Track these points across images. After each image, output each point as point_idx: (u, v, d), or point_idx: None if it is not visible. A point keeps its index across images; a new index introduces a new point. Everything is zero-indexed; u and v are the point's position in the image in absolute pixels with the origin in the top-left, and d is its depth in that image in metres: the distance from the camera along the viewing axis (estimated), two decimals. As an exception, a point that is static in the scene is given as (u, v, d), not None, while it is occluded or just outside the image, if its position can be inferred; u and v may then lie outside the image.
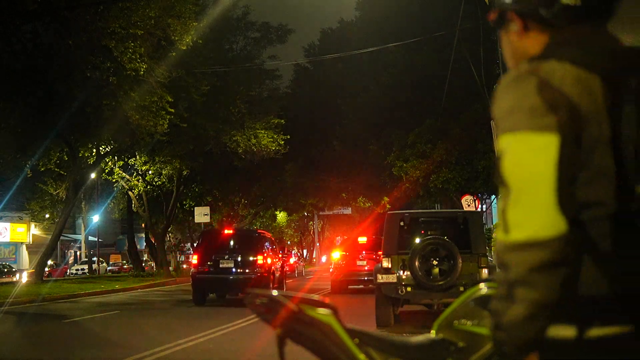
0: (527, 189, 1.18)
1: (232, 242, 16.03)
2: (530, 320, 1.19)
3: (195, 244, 18.50)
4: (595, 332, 1.24)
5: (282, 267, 19.30)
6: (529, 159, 1.19)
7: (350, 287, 19.21)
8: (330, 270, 20.29)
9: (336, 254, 20.17)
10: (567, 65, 1.24)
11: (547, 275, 1.17)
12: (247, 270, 15.24)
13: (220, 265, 15.27)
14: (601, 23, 1.35)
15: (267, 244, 16.98)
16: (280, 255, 19.34)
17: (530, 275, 1.17)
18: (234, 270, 15.23)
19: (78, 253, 48.93)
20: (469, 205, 22.52)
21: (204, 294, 15.67)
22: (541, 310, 1.18)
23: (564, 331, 1.26)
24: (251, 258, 15.45)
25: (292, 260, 36.15)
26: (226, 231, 17.44)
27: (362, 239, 20.20)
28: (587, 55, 1.26)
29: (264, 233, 18.64)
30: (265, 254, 16.02)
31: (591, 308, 1.23)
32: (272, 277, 16.20)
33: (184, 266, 43.54)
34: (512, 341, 1.22)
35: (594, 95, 1.22)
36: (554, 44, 1.31)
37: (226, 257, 15.36)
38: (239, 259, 15.36)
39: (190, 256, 21.90)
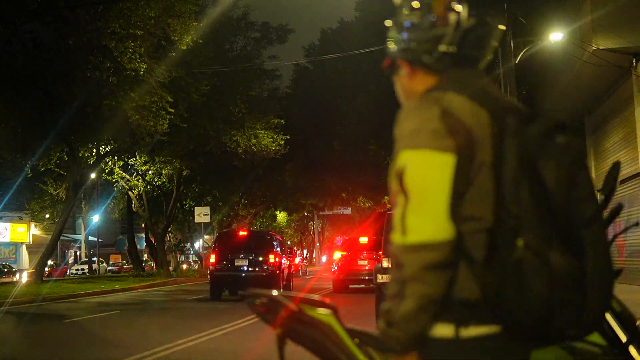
0: (426, 199, 1.36)
1: (246, 243, 17.23)
2: (419, 313, 1.36)
3: (213, 245, 20.04)
4: (470, 331, 1.41)
5: (290, 266, 20.47)
6: (429, 173, 1.37)
7: (351, 286, 19.40)
8: (333, 270, 20.48)
9: (338, 254, 20.45)
10: (463, 98, 1.43)
11: (437, 273, 1.35)
12: (259, 269, 16.52)
13: (236, 264, 16.55)
14: (475, 66, 1.56)
15: (277, 244, 18.19)
16: (288, 255, 20.81)
17: (422, 273, 1.34)
18: (247, 268, 16.51)
19: (78, 253, 48.92)
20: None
21: (220, 290, 16.73)
22: (429, 304, 1.36)
23: (443, 330, 1.42)
24: (263, 257, 16.68)
25: (296, 260, 36.24)
26: (240, 233, 18.87)
27: (364, 239, 20.29)
28: (476, 93, 1.46)
29: (274, 234, 19.89)
30: (275, 254, 17.16)
31: (466, 310, 1.40)
32: (281, 275, 17.44)
33: (184, 266, 43.56)
34: (401, 336, 1.39)
35: (483, 126, 1.41)
36: (445, 83, 1.50)
37: (241, 256, 16.63)
38: (252, 258, 16.59)
39: (207, 256, 23.48)
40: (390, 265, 1.40)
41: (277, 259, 17.15)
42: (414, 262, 1.34)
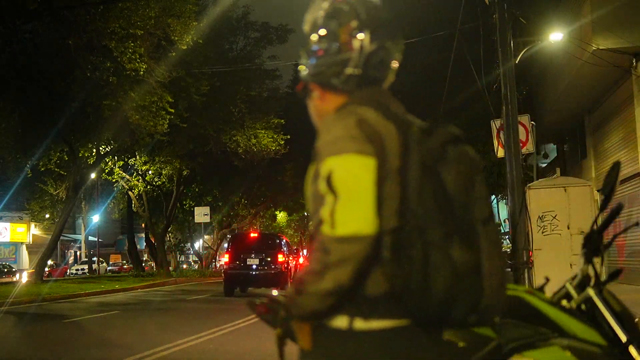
0: (354, 197, 1.49)
1: (256, 244, 18.64)
2: (330, 295, 1.51)
3: (226, 245, 22.20)
4: (371, 324, 1.54)
5: (296, 265, 21.90)
6: (355, 174, 1.50)
7: None
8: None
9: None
10: (373, 111, 1.59)
11: (357, 264, 1.48)
12: (268, 267, 17.92)
13: (247, 263, 17.92)
14: (379, 85, 1.73)
15: (285, 245, 19.70)
16: (294, 255, 22.26)
17: (345, 261, 1.47)
18: (258, 267, 17.90)
19: (78, 253, 48.91)
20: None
21: (234, 287, 18.14)
22: (340, 290, 1.49)
23: (342, 322, 1.56)
24: (272, 257, 18.02)
25: (300, 260, 36.35)
26: (252, 234, 20.44)
27: None
28: (382, 108, 1.62)
29: (282, 236, 21.41)
30: (283, 254, 18.51)
31: (373, 304, 1.54)
32: (289, 273, 18.79)
33: (185, 266, 43.54)
34: (307, 307, 1.55)
35: (392, 136, 1.56)
36: (354, 101, 1.66)
37: (252, 256, 17.96)
38: (262, 257, 17.96)
39: (221, 255, 26.10)
40: (316, 248, 1.53)
41: (285, 259, 18.51)
42: (340, 251, 1.47)
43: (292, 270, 20.08)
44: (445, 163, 1.56)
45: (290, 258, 20.17)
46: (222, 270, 20.30)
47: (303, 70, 1.78)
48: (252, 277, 17.89)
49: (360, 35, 1.68)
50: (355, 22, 1.69)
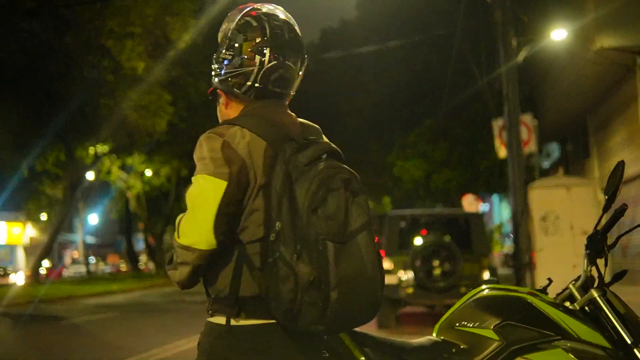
0: (195, 214, 1.73)
1: None
2: (178, 284, 1.86)
3: None
4: (240, 322, 1.76)
5: None
6: (204, 194, 1.72)
7: None
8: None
9: None
10: (246, 131, 1.77)
11: (193, 268, 1.76)
12: None
13: None
14: (280, 99, 1.93)
15: None
16: None
17: (183, 264, 1.76)
18: None
19: (75, 254, 48.86)
20: (470, 205, 22.44)
21: None
22: (183, 285, 1.85)
23: (220, 319, 1.79)
24: None
25: None
26: None
27: None
28: (260, 126, 1.79)
29: None
30: None
31: (244, 304, 1.75)
32: None
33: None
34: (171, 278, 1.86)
35: (258, 156, 1.74)
36: (243, 114, 1.85)
37: None
38: None
39: None
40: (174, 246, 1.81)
41: None
42: (182, 256, 1.76)
43: None
44: (302, 180, 1.69)
45: None
46: None
47: (213, 77, 1.96)
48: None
49: (263, 52, 1.86)
50: (259, 38, 1.87)
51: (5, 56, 18.86)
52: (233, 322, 1.76)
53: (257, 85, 1.86)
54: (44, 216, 35.06)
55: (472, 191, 22.80)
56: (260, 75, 1.85)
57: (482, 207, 25.99)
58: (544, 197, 11.74)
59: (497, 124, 13.65)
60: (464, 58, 16.92)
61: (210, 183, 1.71)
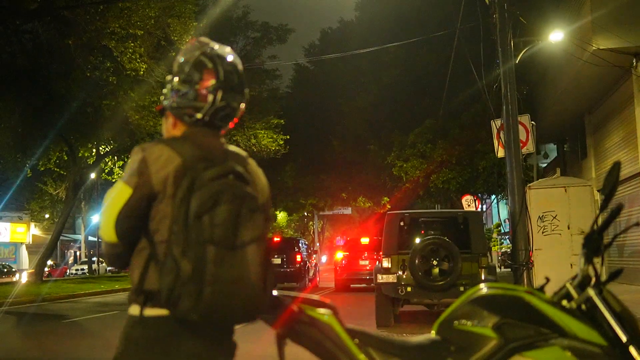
0: (105, 211, 2.03)
1: (278, 246, 21.63)
2: (105, 260, 2.18)
3: None
4: (148, 312, 1.98)
5: (315, 264, 25.60)
6: (112, 197, 2.02)
7: (352, 285, 20.05)
8: (337, 269, 21.33)
9: (340, 254, 21.30)
10: (169, 149, 2.03)
11: (110, 256, 2.09)
12: (288, 265, 21.13)
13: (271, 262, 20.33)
14: (217, 130, 2.21)
15: (303, 247, 23.16)
16: (313, 256, 25.71)
17: (106, 254, 2.09)
18: (280, 265, 20.97)
19: (78, 253, 48.88)
20: (469, 206, 22.52)
21: None
22: (115, 269, 2.34)
23: (134, 310, 2.00)
24: (291, 257, 21.22)
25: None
26: (275, 238, 23.41)
27: (365, 240, 20.77)
28: (183, 147, 2.05)
29: (300, 240, 24.84)
30: (300, 254, 21.74)
31: (149, 296, 1.97)
32: (307, 270, 22.20)
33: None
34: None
35: (171, 170, 1.99)
36: (180, 136, 2.13)
37: (275, 256, 20.69)
38: (284, 257, 21.07)
39: None
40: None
41: (302, 258, 21.74)
42: (104, 246, 2.08)
43: (313, 268, 23.93)
44: (199, 191, 1.95)
45: (308, 258, 23.07)
46: None
47: (164, 98, 2.23)
48: (275, 274, 20.42)
49: (215, 93, 2.13)
50: (214, 80, 2.13)
51: (7, 57, 18.94)
52: (143, 312, 1.98)
53: (205, 118, 2.14)
54: (47, 216, 35.08)
55: (471, 191, 22.87)
56: (209, 112, 2.13)
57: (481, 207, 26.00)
58: (542, 197, 11.81)
59: (496, 124, 13.72)
60: (463, 59, 16.97)
61: (120, 188, 2.02)
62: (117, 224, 2.00)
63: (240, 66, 2.22)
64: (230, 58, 2.20)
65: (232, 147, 2.24)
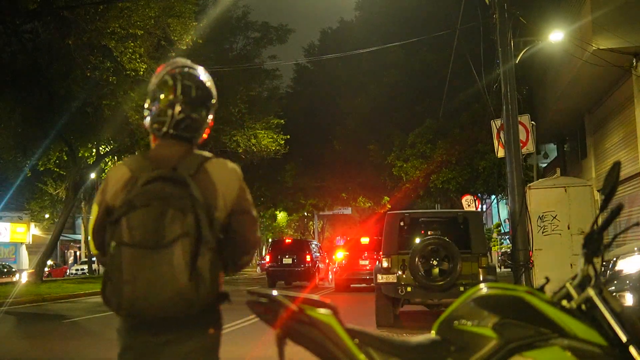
0: (89, 228, 2.35)
1: (290, 247, 23.78)
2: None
3: (268, 249, 28.14)
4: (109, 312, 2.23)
5: (328, 263, 27.47)
6: (91, 215, 2.35)
7: (352, 285, 20.08)
8: (334, 269, 21.37)
9: (340, 254, 21.43)
10: (122, 166, 2.33)
11: (98, 263, 2.80)
12: (299, 265, 22.81)
13: (284, 262, 23.05)
14: (186, 140, 2.38)
15: (314, 248, 24.92)
16: (324, 256, 27.34)
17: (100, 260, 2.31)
18: (292, 264, 22.87)
19: (78, 253, 48.88)
20: (469, 205, 22.52)
21: (275, 281, 22.82)
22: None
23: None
24: (302, 257, 22.92)
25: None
26: (287, 240, 26.03)
27: (365, 240, 20.77)
28: (134, 160, 2.34)
29: (311, 241, 26.98)
30: (311, 255, 23.33)
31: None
32: (317, 269, 23.89)
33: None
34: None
35: (120, 184, 2.25)
36: (143, 151, 2.63)
37: (287, 256, 23.08)
38: (295, 257, 23.00)
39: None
40: None
41: (311, 258, 23.30)
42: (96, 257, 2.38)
43: (323, 268, 25.56)
44: (129, 195, 2.16)
45: (318, 258, 24.51)
46: (265, 268, 25.81)
47: (144, 118, 2.48)
48: (287, 273, 22.96)
49: (174, 107, 2.35)
50: (172, 96, 2.35)
51: (7, 57, 18.95)
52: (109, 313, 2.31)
53: (170, 131, 2.35)
54: (47, 216, 35.08)
55: (471, 191, 22.87)
56: (171, 124, 2.34)
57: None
58: (542, 197, 11.81)
59: (496, 124, 13.72)
60: (463, 59, 16.98)
61: (93, 207, 2.33)
62: (93, 238, 2.29)
63: (206, 81, 2.42)
64: (195, 74, 2.41)
65: (196, 153, 2.36)
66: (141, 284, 2.03)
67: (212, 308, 2.28)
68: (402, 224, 10.39)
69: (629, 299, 7.00)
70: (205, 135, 2.46)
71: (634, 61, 13.71)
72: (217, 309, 2.36)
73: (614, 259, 7.52)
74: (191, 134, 2.39)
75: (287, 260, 23.10)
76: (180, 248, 2.05)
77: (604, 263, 7.90)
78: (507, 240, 18.15)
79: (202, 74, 2.44)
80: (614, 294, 7.14)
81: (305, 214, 49.23)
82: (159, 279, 2.04)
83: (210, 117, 2.44)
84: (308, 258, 23.02)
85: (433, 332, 2.48)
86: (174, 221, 2.07)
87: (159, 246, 2.05)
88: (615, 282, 7.31)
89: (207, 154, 2.38)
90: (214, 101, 2.43)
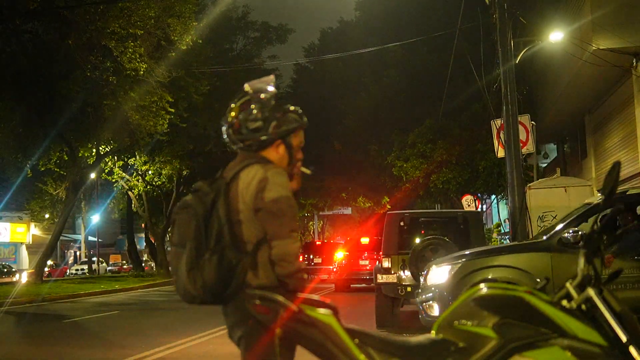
0: None
1: (319, 248, 27.14)
2: None
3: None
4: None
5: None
6: None
7: (352, 285, 20.07)
8: (334, 269, 21.31)
9: (340, 254, 21.21)
10: (203, 181, 2.63)
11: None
12: (327, 264, 24.49)
13: (314, 261, 25.87)
14: (251, 150, 2.72)
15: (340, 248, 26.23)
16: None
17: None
18: (321, 263, 25.47)
19: (78, 253, 48.86)
20: (469, 206, 22.50)
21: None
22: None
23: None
24: (330, 257, 24.13)
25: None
26: (317, 242, 29.57)
27: (365, 240, 20.75)
28: (213, 177, 2.64)
29: (339, 243, 29.20)
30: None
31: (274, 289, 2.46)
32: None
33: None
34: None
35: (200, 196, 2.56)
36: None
37: (317, 256, 26.00)
38: (324, 257, 25.47)
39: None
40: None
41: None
42: None
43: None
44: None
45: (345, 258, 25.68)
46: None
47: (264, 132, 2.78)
48: (317, 271, 25.24)
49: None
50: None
51: (7, 57, 18.92)
52: None
53: (240, 145, 2.75)
54: (47, 216, 35.07)
55: (471, 191, 22.86)
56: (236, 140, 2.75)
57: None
58: (542, 197, 11.79)
59: (496, 124, 13.72)
60: (463, 59, 16.98)
61: None
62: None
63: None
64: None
65: (244, 162, 2.64)
66: (175, 275, 2.52)
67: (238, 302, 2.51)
68: (402, 224, 10.39)
69: (436, 310, 7.12)
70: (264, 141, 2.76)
71: (634, 61, 13.69)
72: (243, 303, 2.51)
73: (428, 268, 7.61)
74: (251, 145, 2.69)
75: (317, 260, 26.21)
76: (187, 249, 2.45)
77: (422, 273, 8.07)
78: (507, 240, 18.18)
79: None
80: (424, 303, 7.25)
81: (306, 214, 49.19)
82: (179, 272, 2.48)
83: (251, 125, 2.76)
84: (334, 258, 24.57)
85: (433, 332, 2.48)
86: (188, 226, 2.46)
87: (182, 246, 2.46)
88: (423, 291, 7.42)
89: (255, 162, 2.62)
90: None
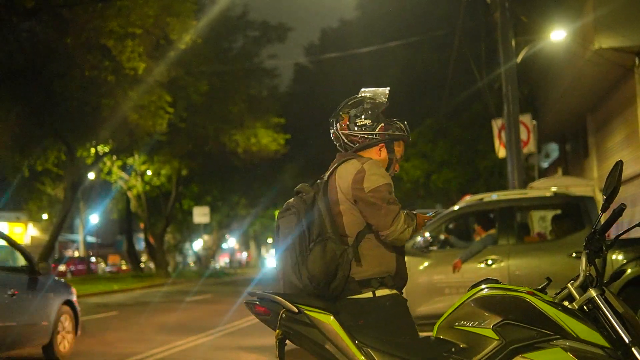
0: None
1: None
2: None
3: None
4: (382, 292, 2.51)
5: None
6: None
7: None
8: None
9: None
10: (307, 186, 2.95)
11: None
12: None
13: None
14: (344, 151, 2.91)
15: None
16: None
17: None
18: None
19: (76, 253, 48.82)
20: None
21: None
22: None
23: (367, 294, 2.51)
24: None
25: None
26: None
27: None
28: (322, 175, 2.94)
29: None
30: None
31: (381, 280, 2.54)
32: None
33: (191, 264, 43.18)
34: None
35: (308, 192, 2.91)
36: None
37: None
38: None
39: None
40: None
41: None
42: None
43: None
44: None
45: None
46: None
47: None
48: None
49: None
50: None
51: (5, 56, 18.87)
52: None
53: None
54: (45, 216, 35.04)
55: (472, 191, 22.83)
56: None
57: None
58: (543, 197, 11.72)
59: (497, 124, 13.67)
60: (464, 58, 16.95)
61: None
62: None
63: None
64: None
65: (341, 159, 2.75)
66: (281, 273, 2.65)
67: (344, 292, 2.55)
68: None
69: None
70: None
71: (637, 60, 13.65)
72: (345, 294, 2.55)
73: None
74: (351, 142, 2.80)
75: None
76: (291, 244, 2.58)
77: None
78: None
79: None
80: None
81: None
82: (285, 269, 2.59)
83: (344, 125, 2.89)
84: None
85: (434, 333, 2.49)
86: (292, 225, 2.62)
87: (287, 247, 2.60)
88: None
89: (352, 157, 2.71)
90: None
